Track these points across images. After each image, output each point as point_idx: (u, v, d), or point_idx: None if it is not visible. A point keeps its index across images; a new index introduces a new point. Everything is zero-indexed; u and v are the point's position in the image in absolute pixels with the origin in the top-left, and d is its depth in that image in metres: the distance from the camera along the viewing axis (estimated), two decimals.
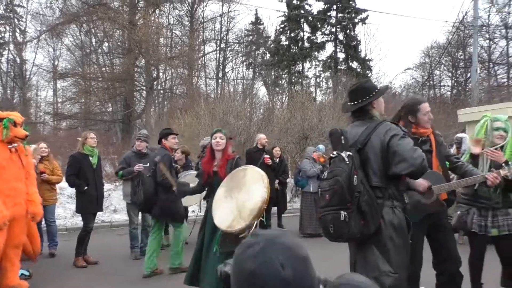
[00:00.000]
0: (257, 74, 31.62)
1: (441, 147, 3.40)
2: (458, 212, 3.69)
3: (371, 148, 2.69)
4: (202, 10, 27.93)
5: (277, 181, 8.14)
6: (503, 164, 3.31)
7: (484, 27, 23.92)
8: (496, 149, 3.51)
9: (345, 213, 2.55)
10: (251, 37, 32.50)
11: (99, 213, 7.07)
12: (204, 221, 4.19)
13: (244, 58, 32.01)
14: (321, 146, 8.61)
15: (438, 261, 3.33)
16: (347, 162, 2.63)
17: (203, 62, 29.08)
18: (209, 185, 4.27)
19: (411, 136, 3.22)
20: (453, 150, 6.86)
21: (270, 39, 30.88)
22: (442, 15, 50.27)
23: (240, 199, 3.56)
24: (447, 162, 3.41)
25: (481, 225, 3.54)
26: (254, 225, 3.35)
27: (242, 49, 31.69)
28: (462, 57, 27.75)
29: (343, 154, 2.68)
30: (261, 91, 28.43)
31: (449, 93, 29.18)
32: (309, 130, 13.88)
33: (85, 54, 26.40)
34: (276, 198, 8.09)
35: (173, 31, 26.80)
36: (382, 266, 2.60)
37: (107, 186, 9.82)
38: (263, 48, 31.66)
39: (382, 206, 2.64)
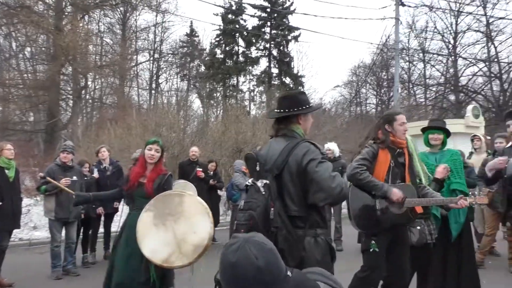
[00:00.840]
0: (192, 86, 31.43)
1: (413, 164, 3.48)
2: (418, 228, 3.76)
3: (289, 174, 2.46)
4: (135, 19, 27.35)
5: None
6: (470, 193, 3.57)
7: (404, 50, 25.90)
8: None
9: None
10: (186, 48, 32.29)
11: (16, 231, 6.50)
12: (120, 236, 3.72)
13: (178, 69, 31.70)
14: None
15: (389, 275, 3.38)
16: (263, 193, 2.44)
17: (135, 72, 28.34)
18: (130, 194, 3.86)
19: (389, 146, 3.33)
20: None
21: (205, 51, 30.91)
22: (368, 37, 53.77)
23: (178, 231, 3.17)
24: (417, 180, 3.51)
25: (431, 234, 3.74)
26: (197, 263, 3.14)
27: (177, 61, 31.38)
28: (385, 77, 29.77)
29: (259, 184, 2.48)
30: (196, 103, 28.27)
31: (374, 110, 31.08)
32: (243, 143, 13.97)
33: (4, 59, 24.48)
34: (211, 211, 8.01)
35: (104, 39, 25.85)
36: None
37: (26, 201, 9.09)
38: (198, 61, 31.58)
39: (304, 237, 2.42)
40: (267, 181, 2.48)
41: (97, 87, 26.52)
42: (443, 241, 3.89)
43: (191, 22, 31.06)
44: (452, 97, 27.11)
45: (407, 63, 28.10)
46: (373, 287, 3.28)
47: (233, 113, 15.30)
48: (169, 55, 30.72)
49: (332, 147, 7.37)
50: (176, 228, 3.19)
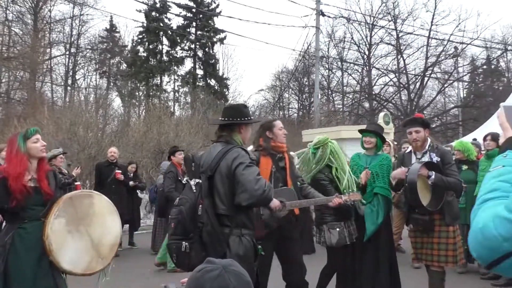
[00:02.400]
0: (112, 84, 30.02)
1: (293, 167, 3.69)
2: (337, 229, 3.89)
3: (219, 175, 2.68)
4: (49, 9, 25.49)
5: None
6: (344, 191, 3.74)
7: (324, 58, 27.20)
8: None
9: (187, 243, 2.57)
10: (105, 44, 30.76)
11: None
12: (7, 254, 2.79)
13: (97, 66, 30.08)
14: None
15: (285, 272, 3.54)
16: (194, 191, 2.66)
17: (48, 66, 26.36)
18: (20, 207, 2.82)
19: (271, 151, 3.48)
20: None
21: (126, 48, 29.74)
22: (291, 44, 55.60)
23: (95, 235, 3.03)
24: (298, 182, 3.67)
25: (351, 235, 3.91)
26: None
27: (96, 56, 29.77)
28: (306, 83, 30.98)
29: (192, 182, 2.72)
30: (116, 102, 27.07)
31: (296, 114, 32.21)
32: (165, 144, 13.64)
33: None
34: (130, 215, 7.70)
35: (12, 28, 23.68)
36: None
37: None
38: (118, 57, 30.27)
39: (229, 235, 2.63)
40: (199, 181, 2.71)
41: (3, 80, 24.21)
42: (361, 240, 4.08)
43: (111, 17, 29.72)
44: (366, 105, 29.01)
45: (327, 71, 29.54)
46: None
47: (156, 113, 14.92)
48: (87, 50, 29.07)
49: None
50: (91, 232, 3.02)
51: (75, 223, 2.96)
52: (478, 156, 6.05)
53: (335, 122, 23.70)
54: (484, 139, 5.64)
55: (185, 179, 2.83)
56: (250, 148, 3.61)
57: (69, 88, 27.53)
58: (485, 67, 28.20)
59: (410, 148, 4.07)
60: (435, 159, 3.72)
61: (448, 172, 3.65)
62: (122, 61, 29.58)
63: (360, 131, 4.36)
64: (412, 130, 3.81)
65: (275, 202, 3.21)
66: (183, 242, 2.57)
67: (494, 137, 5.16)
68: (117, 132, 15.37)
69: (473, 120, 24.01)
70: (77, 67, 28.70)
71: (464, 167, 5.62)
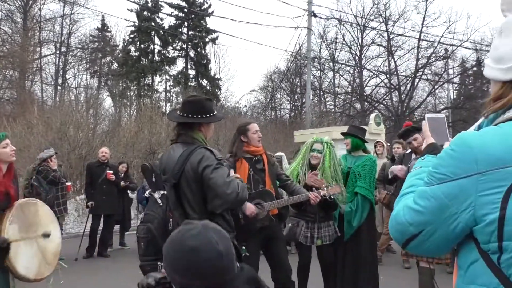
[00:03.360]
0: (103, 83, 29.82)
1: (273, 167, 3.65)
2: (289, 224, 4.01)
3: (186, 181, 2.42)
4: (39, 8, 25.22)
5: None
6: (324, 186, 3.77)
7: (316, 59, 27.28)
8: (313, 170, 3.99)
9: (162, 264, 2.42)
10: (96, 43, 30.54)
11: None
12: None
13: (88, 65, 29.86)
14: None
15: (272, 271, 3.58)
16: (161, 204, 2.48)
17: (38, 66, 26.09)
18: None
19: (246, 155, 3.44)
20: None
21: (118, 48, 29.55)
22: (283, 44, 55.74)
23: (41, 242, 3.14)
24: (277, 181, 3.69)
25: (307, 236, 3.93)
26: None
27: (86, 56, 29.54)
28: (298, 83, 31.06)
29: (156, 195, 2.52)
30: (107, 102, 26.88)
31: (287, 115, 32.26)
32: (157, 145, 13.60)
33: None
34: (121, 216, 7.67)
35: (1, 27, 23.42)
36: None
37: None
38: (110, 57, 30.07)
39: None
40: (164, 192, 2.46)
41: None
42: (341, 240, 4.13)
43: (103, 16, 29.50)
44: (357, 106, 29.18)
45: (319, 72, 29.65)
46: None
47: (147, 113, 14.85)
48: (78, 50, 28.84)
49: None
50: (38, 240, 3.15)
51: (26, 230, 3.05)
52: None
53: (327, 122, 23.80)
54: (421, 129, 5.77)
55: (147, 192, 2.60)
56: (226, 155, 3.56)
57: (59, 87, 27.29)
58: (475, 69, 28.50)
59: (410, 149, 4.18)
60: None
61: None
62: (113, 61, 29.40)
63: (342, 134, 4.48)
64: (411, 140, 3.95)
65: (250, 208, 3.22)
66: (159, 263, 2.35)
67: None
68: (108, 132, 15.26)
69: (463, 122, 24.28)
70: (67, 67, 28.47)
71: None
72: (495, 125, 1.02)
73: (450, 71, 27.20)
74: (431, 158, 1.17)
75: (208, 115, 2.58)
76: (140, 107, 16.78)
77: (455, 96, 29.50)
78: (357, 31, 27.68)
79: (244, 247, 3.34)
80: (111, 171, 7.38)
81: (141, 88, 26.10)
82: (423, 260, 3.83)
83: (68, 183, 7.18)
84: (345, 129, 4.82)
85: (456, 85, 29.18)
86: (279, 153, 7.77)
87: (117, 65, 27.95)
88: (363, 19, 26.48)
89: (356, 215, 4.05)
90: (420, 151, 3.92)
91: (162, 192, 2.51)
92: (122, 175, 7.79)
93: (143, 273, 2.49)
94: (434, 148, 1.24)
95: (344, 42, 28.07)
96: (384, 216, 6.75)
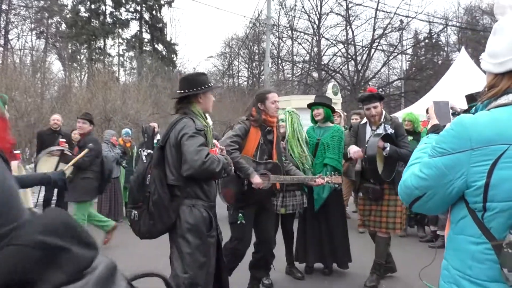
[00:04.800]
0: (51, 45, 28.04)
1: (280, 142, 3.73)
2: None
3: (169, 146, 2.70)
4: None
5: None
6: (329, 173, 3.88)
7: (275, 26, 27.01)
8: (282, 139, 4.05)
9: (136, 212, 2.66)
10: (42, 2, 28.44)
11: None
12: None
13: (33, 25, 27.84)
14: (127, 130, 8.49)
15: (258, 241, 3.69)
16: (144, 161, 2.74)
17: None
18: None
19: (261, 123, 3.52)
20: None
21: (66, 8, 27.71)
22: (242, 10, 54.56)
23: None
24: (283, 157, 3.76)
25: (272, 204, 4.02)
26: None
27: (31, 15, 27.49)
28: (257, 51, 30.76)
29: (143, 153, 2.79)
30: (56, 65, 25.45)
31: (245, 83, 32.04)
32: (112, 112, 13.14)
33: None
34: None
35: None
36: (176, 265, 2.65)
37: None
38: (58, 17, 28.19)
39: (179, 205, 2.64)
40: (151, 151, 2.79)
41: None
42: (312, 212, 4.25)
43: None
44: (315, 75, 29.42)
45: (277, 39, 29.44)
46: (240, 257, 3.54)
47: (101, 79, 14.21)
48: (21, 8, 26.74)
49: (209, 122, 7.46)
50: None
51: None
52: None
53: (285, 91, 23.89)
54: (427, 111, 5.98)
55: (139, 150, 2.82)
56: (242, 117, 3.62)
57: (1, 49, 25.39)
58: (427, 41, 29.41)
59: (364, 120, 4.19)
60: (390, 130, 3.87)
61: (401, 144, 3.84)
62: (61, 21, 27.60)
63: (309, 105, 4.44)
64: (370, 106, 3.92)
65: (258, 181, 3.34)
66: (133, 211, 2.66)
67: None
68: (58, 98, 14.50)
69: (415, 92, 25.20)
70: (10, 26, 26.43)
71: (409, 137, 5.92)
72: (488, 110, 1.22)
73: (404, 43, 27.93)
74: (434, 136, 1.40)
75: (201, 87, 2.81)
76: (93, 72, 16.00)
77: (407, 67, 30.44)
78: None
79: (241, 214, 3.41)
80: (64, 140, 7.06)
81: (92, 52, 24.87)
82: (381, 231, 4.00)
83: (17, 152, 6.81)
84: (303, 98, 4.83)
85: (409, 56, 30.07)
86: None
87: (65, 26, 26.30)
88: None
89: (326, 187, 4.12)
90: (375, 121, 4.00)
91: (148, 151, 2.79)
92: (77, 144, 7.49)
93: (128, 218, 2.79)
94: (437, 128, 1.49)
95: (303, 10, 27.93)
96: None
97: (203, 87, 2.82)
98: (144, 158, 2.74)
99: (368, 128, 4.06)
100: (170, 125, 2.75)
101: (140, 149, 2.88)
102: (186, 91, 2.81)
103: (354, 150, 3.93)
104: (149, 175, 2.65)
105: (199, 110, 2.83)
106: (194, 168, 2.54)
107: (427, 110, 1.73)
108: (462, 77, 11.90)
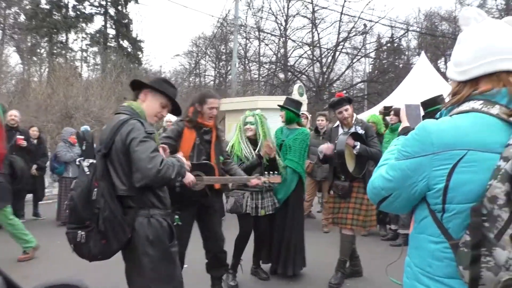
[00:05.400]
0: (8, 37, 26.79)
1: (220, 144, 3.66)
2: (234, 197, 4.04)
3: (116, 152, 2.37)
4: None
5: (35, 166, 7.15)
6: (266, 173, 3.83)
7: (242, 27, 27.02)
8: (251, 141, 4.08)
9: (83, 233, 2.31)
10: None
11: None
12: None
13: None
14: (86, 128, 8.16)
15: (205, 241, 3.66)
16: (87, 173, 2.45)
17: None
18: None
19: (197, 123, 3.44)
20: None
21: None
22: (210, 10, 54.20)
23: None
24: (221, 157, 3.70)
25: (253, 207, 4.04)
26: None
27: None
28: (224, 50, 30.67)
29: (84, 163, 2.46)
30: (13, 58, 24.35)
31: (212, 82, 31.87)
32: (73, 109, 12.73)
33: None
34: (33, 185, 7.14)
35: None
36: (138, 282, 2.42)
37: None
38: (16, 8, 26.97)
39: (134, 217, 2.35)
40: (94, 161, 2.44)
41: None
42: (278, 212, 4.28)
43: None
44: (281, 75, 29.68)
45: (244, 40, 29.47)
46: (180, 259, 3.30)
47: (62, 74, 13.73)
48: None
49: (172, 118, 7.32)
50: None
51: None
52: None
53: (251, 91, 23.94)
54: (386, 113, 6.22)
55: (77, 160, 2.47)
56: (174, 118, 3.49)
57: None
58: (389, 45, 30.33)
59: (337, 123, 4.32)
60: (360, 131, 4.06)
61: (371, 144, 4.03)
62: (20, 12, 26.43)
63: (279, 105, 4.53)
64: (342, 110, 4.08)
65: (189, 177, 3.23)
66: (79, 231, 2.31)
67: (397, 112, 5.63)
68: (16, 93, 13.89)
69: (377, 94, 25.93)
70: None
71: None
72: (450, 115, 1.27)
73: (367, 46, 28.69)
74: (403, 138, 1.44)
75: (148, 83, 2.58)
76: (53, 66, 15.44)
77: (370, 70, 31.28)
78: (283, 1, 27.82)
79: (177, 216, 3.34)
80: (22, 137, 6.78)
81: (53, 46, 23.99)
82: (346, 227, 4.11)
83: None
84: (270, 98, 4.90)
85: (371, 59, 30.90)
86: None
87: (24, 17, 25.21)
88: None
89: (282, 188, 4.20)
90: (347, 123, 4.12)
91: (91, 161, 2.41)
92: (35, 141, 7.21)
93: (68, 240, 2.36)
94: (407, 131, 1.52)
95: (270, 11, 28.09)
96: (306, 184, 7.08)
97: (149, 83, 2.58)
98: (86, 169, 2.41)
99: (340, 130, 4.22)
100: (114, 128, 2.38)
101: (79, 159, 2.53)
102: (134, 85, 2.61)
103: (325, 147, 4.04)
104: (95, 190, 2.31)
105: (141, 109, 2.52)
106: (149, 177, 2.27)
107: (394, 112, 1.79)
108: (421, 80, 12.41)
